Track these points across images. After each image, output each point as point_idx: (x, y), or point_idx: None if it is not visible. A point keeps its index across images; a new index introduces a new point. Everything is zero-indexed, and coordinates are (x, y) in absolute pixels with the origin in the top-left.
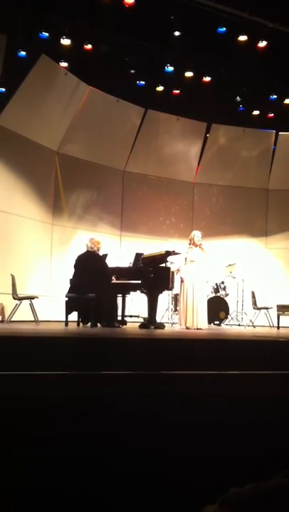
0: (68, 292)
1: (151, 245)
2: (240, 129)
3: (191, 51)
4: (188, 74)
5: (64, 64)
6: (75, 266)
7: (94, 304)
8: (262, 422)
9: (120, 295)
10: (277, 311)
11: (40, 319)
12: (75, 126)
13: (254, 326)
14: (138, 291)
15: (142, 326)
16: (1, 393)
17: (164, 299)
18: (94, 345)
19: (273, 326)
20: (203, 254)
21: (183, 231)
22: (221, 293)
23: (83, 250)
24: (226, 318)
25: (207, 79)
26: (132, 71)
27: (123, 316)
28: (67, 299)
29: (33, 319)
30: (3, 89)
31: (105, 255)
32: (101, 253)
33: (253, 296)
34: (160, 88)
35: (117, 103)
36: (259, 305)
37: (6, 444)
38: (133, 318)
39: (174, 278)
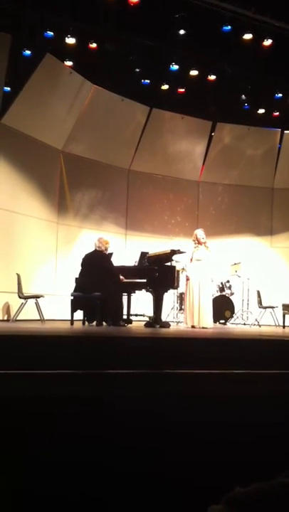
0: (74, 291)
1: (156, 244)
2: (245, 127)
3: (196, 49)
4: (193, 72)
5: (69, 63)
6: (82, 264)
7: (99, 303)
8: (266, 422)
9: (126, 294)
10: (283, 310)
11: (45, 318)
12: (80, 125)
13: (259, 325)
14: (143, 289)
15: (148, 324)
16: (7, 392)
17: (170, 297)
18: (99, 344)
19: (279, 325)
20: (209, 253)
21: (188, 230)
22: (227, 292)
23: (90, 249)
24: (232, 317)
25: (212, 77)
26: (137, 70)
27: (128, 314)
28: (72, 297)
29: (39, 318)
30: (8, 89)
31: (110, 254)
32: (107, 253)
33: (259, 295)
34: (165, 87)
35: (122, 102)
36: (264, 304)
37: (12, 443)
38: (138, 317)
39: (179, 277)
